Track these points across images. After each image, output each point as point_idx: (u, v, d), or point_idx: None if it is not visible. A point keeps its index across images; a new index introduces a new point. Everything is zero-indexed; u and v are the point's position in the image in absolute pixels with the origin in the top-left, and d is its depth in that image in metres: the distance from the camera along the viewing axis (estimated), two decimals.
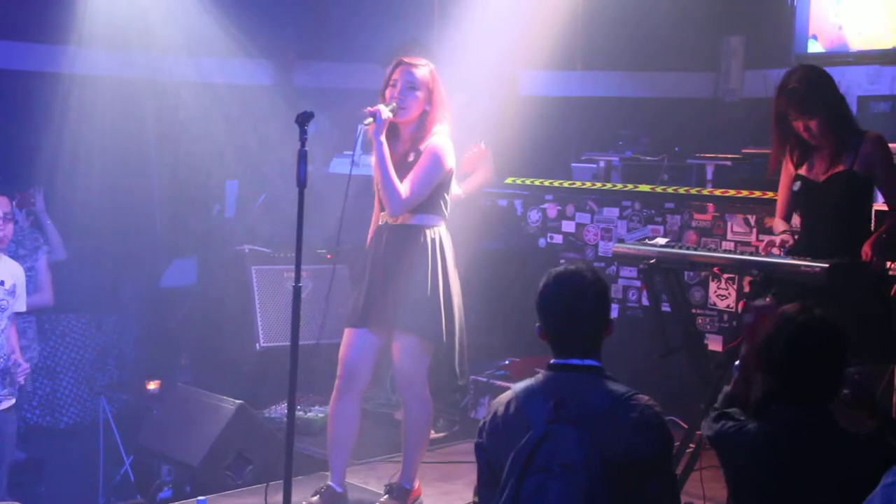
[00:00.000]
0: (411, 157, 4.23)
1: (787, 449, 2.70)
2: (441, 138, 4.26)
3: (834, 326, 2.76)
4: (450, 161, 4.27)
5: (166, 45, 6.44)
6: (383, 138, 4.14)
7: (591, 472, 2.72)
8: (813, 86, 4.00)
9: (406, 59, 4.31)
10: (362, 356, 4.32)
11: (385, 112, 4.12)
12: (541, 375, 2.94)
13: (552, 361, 2.94)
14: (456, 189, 4.44)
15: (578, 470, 2.72)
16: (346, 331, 4.34)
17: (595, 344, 2.92)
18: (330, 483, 4.41)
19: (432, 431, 5.50)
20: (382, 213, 4.31)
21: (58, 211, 6.03)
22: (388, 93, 4.25)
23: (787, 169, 4.18)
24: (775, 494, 2.70)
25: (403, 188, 4.15)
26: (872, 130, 4.07)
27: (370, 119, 4.11)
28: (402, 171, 4.21)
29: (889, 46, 5.26)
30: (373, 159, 4.22)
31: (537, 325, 2.97)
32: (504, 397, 2.97)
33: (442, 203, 4.30)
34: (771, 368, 2.78)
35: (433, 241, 4.25)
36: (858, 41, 5.36)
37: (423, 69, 4.27)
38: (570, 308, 2.90)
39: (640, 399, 2.84)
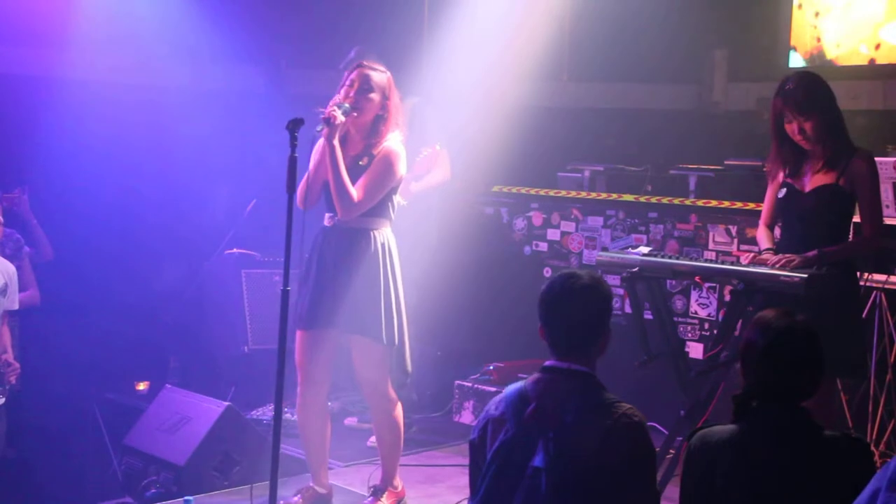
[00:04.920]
0: (364, 161, 4.24)
1: (765, 447, 2.75)
2: (395, 144, 4.28)
3: (811, 330, 2.82)
4: (402, 168, 4.29)
5: (158, 50, 6.49)
6: (336, 142, 4.13)
7: (557, 476, 2.76)
8: (810, 88, 4.04)
9: (365, 63, 4.33)
10: (317, 358, 4.33)
11: (339, 117, 4.10)
12: (531, 377, 2.97)
13: (545, 364, 2.97)
14: (399, 199, 4.47)
15: (546, 473, 2.77)
16: (298, 334, 4.32)
17: (587, 350, 2.94)
18: (311, 484, 4.49)
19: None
20: (328, 216, 4.31)
21: (49, 213, 6.07)
22: (342, 91, 4.24)
23: (776, 175, 4.24)
24: (752, 492, 2.74)
25: (356, 192, 4.17)
26: (864, 149, 4.12)
27: (321, 126, 4.07)
28: (353, 174, 4.21)
29: (864, 62, 5.36)
30: (313, 158, 4.20)
31: (539, 326, 3.00)
32: (498, 396, 3.02)
33: (390, 206, 4.32)
34: (750, 372, 2.84)
35: (382, 244, 4.26)
36: (836, 54, 5.46)
37: (380, 74, 4.29)
38: (560, 309, 2.94)
39: (619, 407, 2.84)
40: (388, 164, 4.23)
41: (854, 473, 2.52)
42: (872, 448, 4.79)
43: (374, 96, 4.25)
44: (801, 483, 2.70)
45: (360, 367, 4.34)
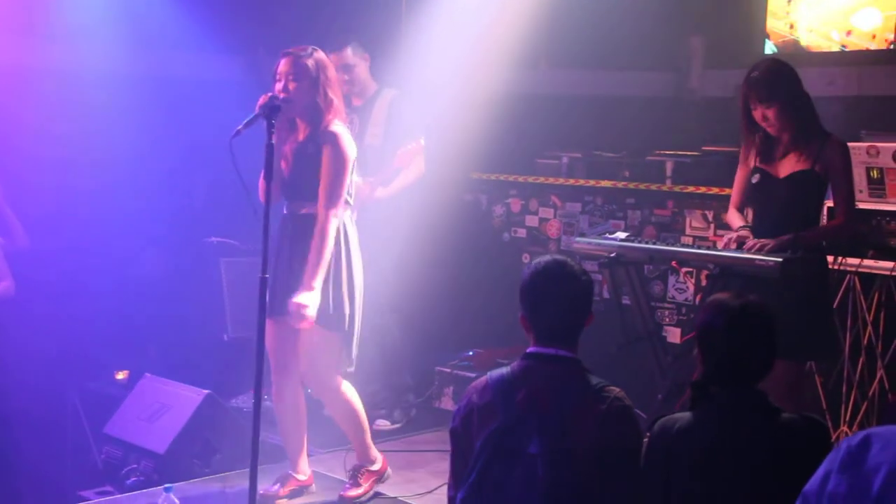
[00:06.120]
0: (310, 149, 4.20)
1: (724, 432, 2.78)
2: (335, 127, 4.20)
3: (767, 310, 2.86)
4: (349, 149, 4.20)
5: (132, 38, 6.45)
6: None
7: (554, 462, 2.78)
8: (774, 75, 4.10)
9: (290, 50, 4.24)
10: (282, 345, 4.32)
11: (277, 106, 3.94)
12: (516, 364, 2.96)
13: (528, 350, 2.96)
14: (356, 178, 4.42)
15: (542, 459, 2.78)
16: (267, 323, 4.19)
17: (575, 335, 2.95)
18: (289, 472, 4.51)
19: (388, 423, 5.59)
20: (286, 204, 4.30)
21: (24, 202, 6.03)
22: (277, 87, 4.19)
23: (747, 161, 4.28)
24: (712, 476, 2.77)
25: (324, 202, 4.12)
26: (836, 135, 4.16)
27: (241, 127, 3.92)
28: (301, 159, 4.20)
29: (836, 49, 5.40)
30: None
31: (520, 313, 2.98)
32: (479, 383, 2.99)
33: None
34: (709, 354, 2.86)
35: (337, 229, 4.19)
36: (809, 41, 5.50)
37: (306, 58, 4.19)
38: (553, 296, 2.92)
39: (610, 391, 2.87)
40: (333, 153, 4.16)
41: (812, 455, 2.55)
42: (846, 429, 4.86)
43: (304, 82, 4.18)
44: (759, 466, 2.73)
45: (303, 352, 4.28)
